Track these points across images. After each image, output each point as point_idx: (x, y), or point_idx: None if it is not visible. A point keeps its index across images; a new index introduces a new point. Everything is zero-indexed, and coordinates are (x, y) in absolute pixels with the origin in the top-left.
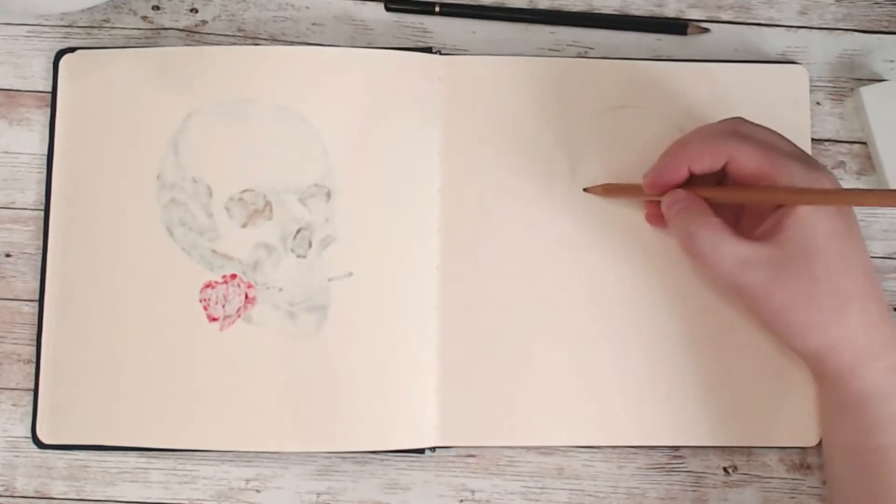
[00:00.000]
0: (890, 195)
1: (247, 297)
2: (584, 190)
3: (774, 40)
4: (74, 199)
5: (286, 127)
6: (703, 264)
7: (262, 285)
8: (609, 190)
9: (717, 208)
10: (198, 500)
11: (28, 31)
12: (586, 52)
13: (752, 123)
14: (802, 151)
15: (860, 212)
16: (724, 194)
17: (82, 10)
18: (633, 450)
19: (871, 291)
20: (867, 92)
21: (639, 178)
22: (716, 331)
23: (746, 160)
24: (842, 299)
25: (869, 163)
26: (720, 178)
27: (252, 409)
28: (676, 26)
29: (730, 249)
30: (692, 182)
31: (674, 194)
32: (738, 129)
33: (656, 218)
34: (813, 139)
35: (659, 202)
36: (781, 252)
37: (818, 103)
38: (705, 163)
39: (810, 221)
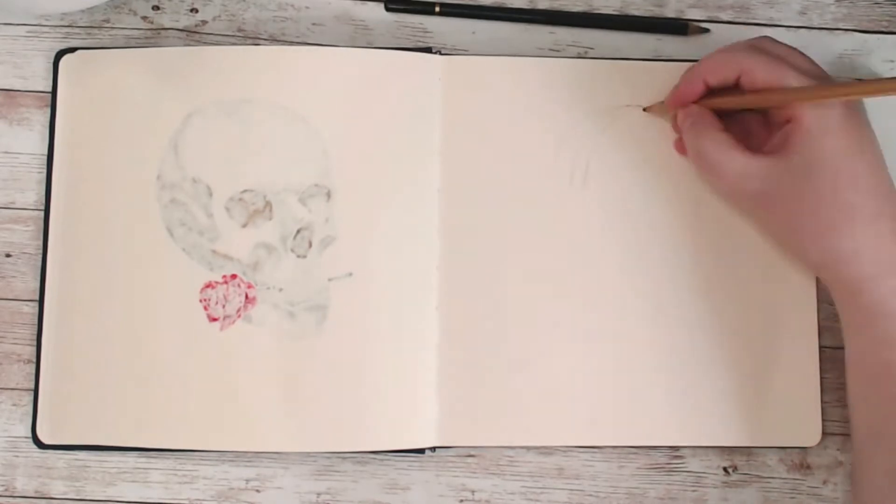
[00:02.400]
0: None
1: (247, 297)
2: (645, 110)
3: None
4: (74, 199)
5: (286, 127)
6: (710, 175)
7: (263, 285)
8: (661, 109)
9: (729, 125)
10: (198, 500)
11: (28, 31)
12: (586, 52)
13: (775, 41)
14: (820, 69)
15: None
16: (728, 101)
17: (82, 10)
18: (633, 450)
19: (882, 209)
20: None
21: (639, 179)
22: (715, 331)
23: (757, 71)
24: (846, 213)
25: None
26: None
27: (252, 409)
28: (676, 26)
29: (735, 161)
30: (713, 95)
31: (687, 108)
32: (757, 45)
33: (681, 145)
34: None
35: None
36: (787, 165)
37: None
38: (719, 74)
39: (818, 136)
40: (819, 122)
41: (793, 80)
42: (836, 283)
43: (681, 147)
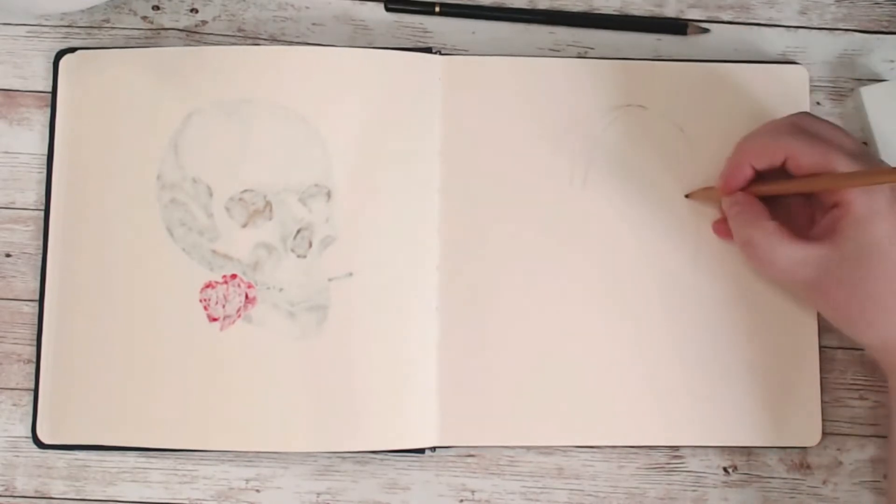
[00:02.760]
0: None
1: (247, 297)
2: (686, 196)
3: (774, 40)
4: (74, 199)
5: (286, 127)
6: (760, 266)
7: (263, 285)
8: (707, 195)
9: (773, 207)
10: (198, 500)
11: (28, 31)
12: (586, 52)
13: (815, 118)
14: (863, 148)
15: None
16: (776, 188)
17: (82, 10)
18: (633, 450)
19: None
20: (867, 92)
21: (639, 179)
22: (715, 331)
23: (803, 156)
24: None
25: None
26: (787, 177)
27: (252, 409)
28: (676, 26)
29: (786, 250)
30: (760, 180)
31: (734, 196)
32: (799, 124)
33: (723, 228)
34: None
35: None
36: (838, 251)
37: (818, 103)
38: (764, 159)
39: (867, 220)
40: (868, 206)
41: (840, 164)
42: (891, 363)
43: (721, 230)
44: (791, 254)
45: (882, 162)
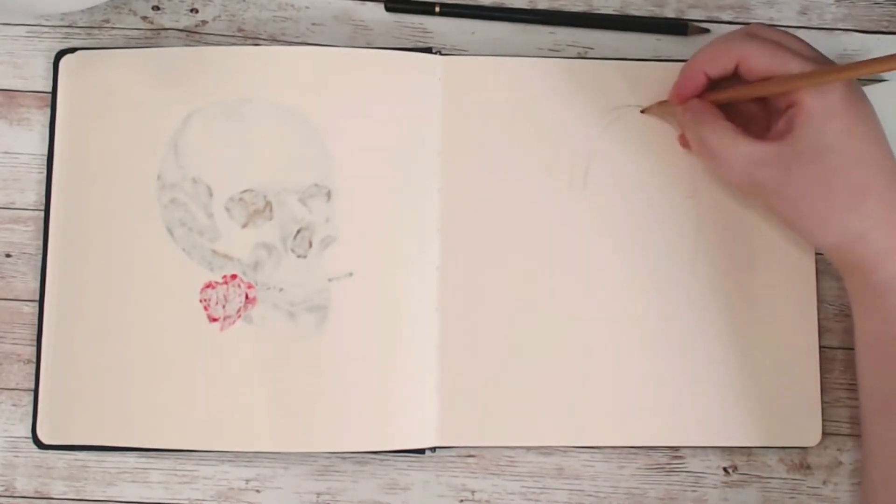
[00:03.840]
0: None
1: (247, 297)
2: (642, 111)
3: None
4: (74, 199)
5: (286, 127)
6: (716, 165)
7: (263, 285)
8: (662, 108)
9: (729, 114)
10: (198, 500)
11: (28, 31)
12: (586, 52)
13: (768, 27)
14: (815, 51)
15: None
16: (730, 93)
17: (82, 10)
18: (633, 450)
19: (891, 185)
20: (870, 91)
21: (639, 179)
22: (716, 331)
23: (754, 59)
24: (857, 192)
25: None
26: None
27: (252, 410)
28: (676, 26)
29: (741, 148)
30: (713, 89)
31: (688, 104)
32: (751, 31)
33: (686, 141)
34: None
35: None
36: (793, 149)
37: None
38: (717, 64)
39: (821, 118)
40: (822, 104)
41: (793, 65)
42: (847, 263)
43: (685, 142)
44: (748, 152)
45: (833, 61)
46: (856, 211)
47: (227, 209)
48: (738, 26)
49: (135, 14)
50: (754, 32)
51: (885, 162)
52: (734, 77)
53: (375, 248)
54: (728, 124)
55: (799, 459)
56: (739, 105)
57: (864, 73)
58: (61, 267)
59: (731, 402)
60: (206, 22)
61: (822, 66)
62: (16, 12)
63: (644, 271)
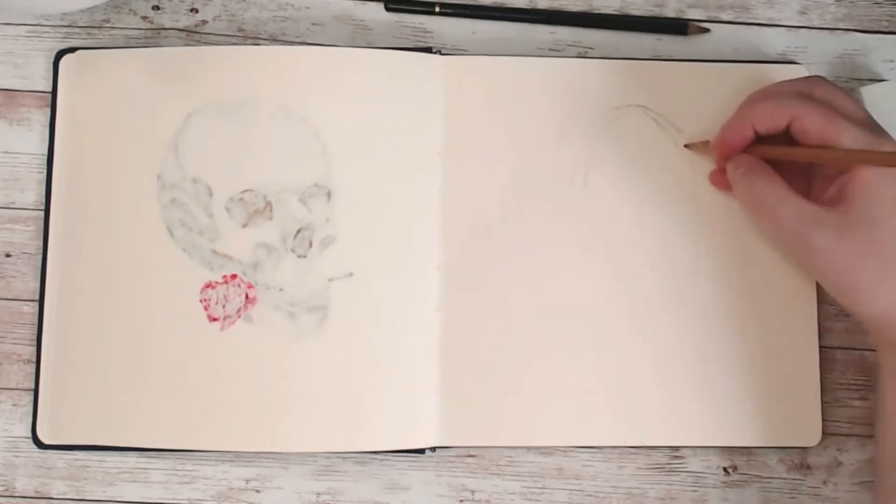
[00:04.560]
0: None
1: (247, 297)
2: (686, 146)
3: (774, 40)
4: (74, 199)
5: (286, 127)
6: (768, 221)
7: (263, 285)
8: (706, 148)
9: (783, 174)
10: (198, 500)
11: (28, 31)
12: (586, 52)
13: (828, 83)
14: (872, 120)
15: None
16: (786, 152)
17: (82, 10)
18: (633, 450)
19: None
20: (867, 92)
21: (639, 179)
22: (716, 331)
23: (808, 121)
24: None
25: None
26: (790, 141)
27: (252, 410)
28: (676, 26)
29: (795, 207)
30: (760, 143)
31: (738, 158)
32: (808, 88)
33: (720, 179)
34: None
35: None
36: (846, 216)
37: None
38: (768, 122)
39: (875, 187)
40: (877, 175)
41: (846, 135)
42: (886, 336)
43: (718, 181)
44: (801, 210)
45: (887, 140)
46: None
47: (228, 209)
48: (738, 26)
49: (135, 14)
50: (809, 90)
51: None
52: (784, 135)
53: (375, 248)
54: (782, 181)
55: (799, 459)
56: (784, 164)
57: None
58: (61, 267)
59: (731, 402)
60: (206, 22)
61: (879, 140)
62: (16, 12)
63: (644, 271)
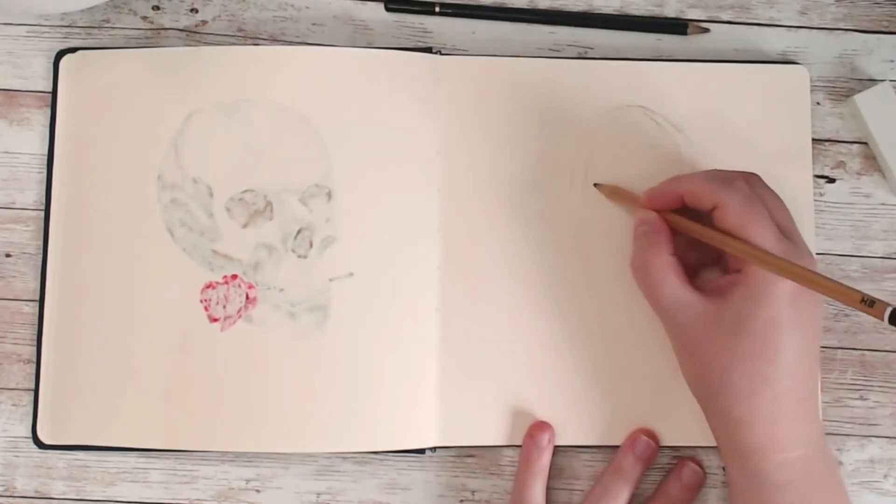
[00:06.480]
0: (845, 291)
1: (247, 297)
2: (595, 185)
3: (774, 40)
4: (74, 199)
5: (286, 127)
6: (645, 292)
7: (263, 285)
8: (614, 192)
9: (679, 240)
10: (198, 500)
11: (28, 31)
12: (586, 52)
13: (764, 186)
14: (796, 234)
15: (859, 207)
16: (691, 228)
17: (82, 10)
18: None
19: (792, 389)
20: (861, 99)
21: (639, 179)
22: None
23: (730, 213)
24: (756, 385)
25: (869, 163)
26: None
27: (252, 410)
28: (676, 26)
29: (673, 289)
30: (684, 213)
31: (645, 215)
32: (746, 183)
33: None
34: (813, 139)
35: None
36: (719, 314)
37: (818, 103)
38: (696, 200)
39: (760, 301)
40: (766, 288)
41: (762, 238)
42: (724, 441)
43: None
44: (677, 294)
45: (803, 256)
46: (745, 401)
47: (228, 209)
48: (738, 26)
49: (135, 14)
50: (749, 185)
51: (800, 365)
52: (705, 214)
53: (375, 248)
54: (672, 259)
55: None
56: (696, 241)
57: (819, 288)
58: (61, 267)
59: None
60: (206, 22)
61: (790, 255)
62: (16, 12)
63: None
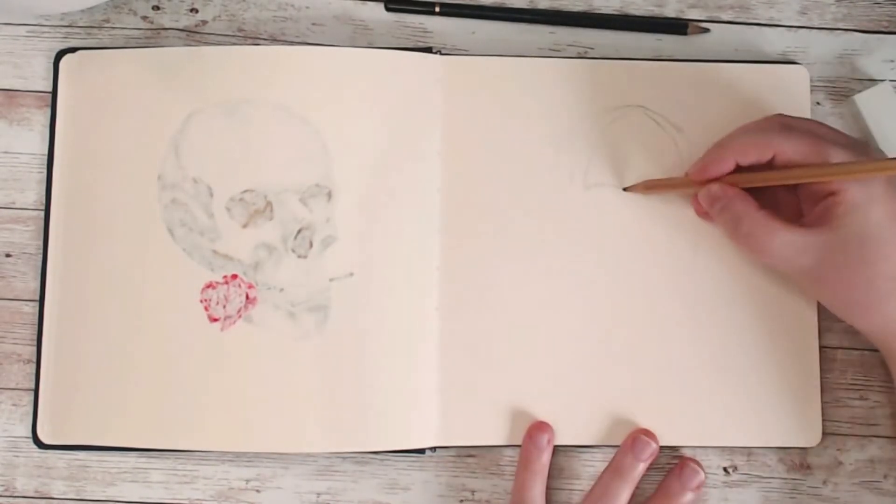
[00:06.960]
0: None
1: (248, 297)
2: (625, 189)
3: (774, 40)
4: (74, 199)
5: (286, 127)
6: (757, 255)
7: (263, 285)
8: (650, 186)
9: (762, 200)
10: (198, 500)
11: (28, 31)
12: (586, 52)
13: (794, 116)
14: (848, 137)
15: None
16: (763, 178)
17: (82, 10)
18: None
19: None
20: (861, 99)
21: (639, 179)
22: (715, 332)
23: (794, 151)
24: None
25: None
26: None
27: (252, 410)
28: (676, 26)
29: (782, 238)
30: (740, 171)
31: (709, 190)
32: (785, 122)
33: (705, 213)
34: None
35: None
36: (835, 236)
37: (818, 103)
38: (751, 156)
39: (862, 207)
40: (864, 192)
41: (833, 155)
42: (890, 348)
43: (703, 214)
44: (788, 241)
45: (876, 151)
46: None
47: (228, 209)
48: (739, 26)
49: (135, 14)
50: (788, 124)
51: None
52: (765, 166)
53: (375, 248)
54: (764, 213)
55: (799, 459)
56: (764, 190)
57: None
58: (61, 267)
59: (730, 402)
60: (206, 22)
61: (863, 156)
62: (16, 12)
63: (644, 272)
